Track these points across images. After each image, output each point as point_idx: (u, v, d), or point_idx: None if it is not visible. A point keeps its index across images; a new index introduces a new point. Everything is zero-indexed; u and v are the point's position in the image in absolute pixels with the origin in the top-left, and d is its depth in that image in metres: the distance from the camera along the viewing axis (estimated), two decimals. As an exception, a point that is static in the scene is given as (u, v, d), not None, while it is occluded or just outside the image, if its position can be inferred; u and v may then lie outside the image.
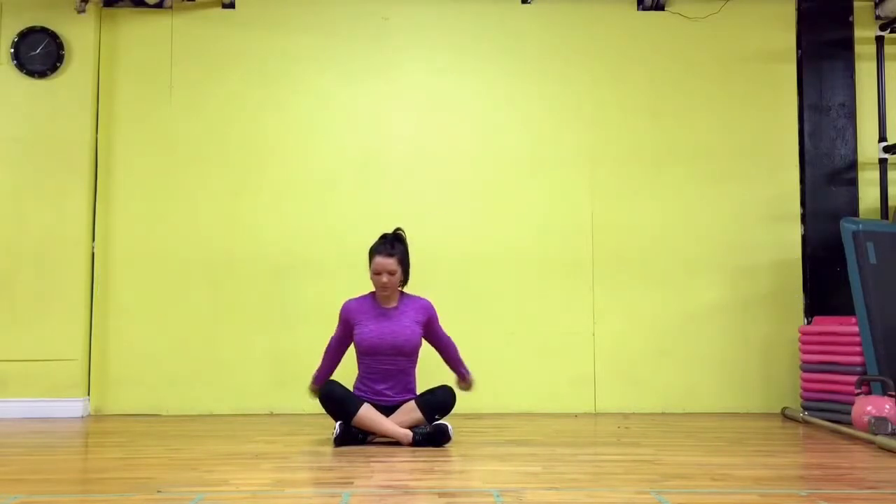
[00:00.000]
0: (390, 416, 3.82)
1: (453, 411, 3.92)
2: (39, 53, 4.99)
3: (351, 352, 4.03)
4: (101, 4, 5.14)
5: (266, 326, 5.03)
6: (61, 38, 5.01)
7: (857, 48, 5.21)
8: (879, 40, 5.20)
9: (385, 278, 3.91)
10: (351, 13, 5.24)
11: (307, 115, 5.19)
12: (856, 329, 4.43)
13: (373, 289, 4.02)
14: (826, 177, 5.15)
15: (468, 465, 3.32)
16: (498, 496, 2.68)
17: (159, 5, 5.16)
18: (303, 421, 4.58)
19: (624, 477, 3.04)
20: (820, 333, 4.68)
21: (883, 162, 5.15)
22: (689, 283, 5.14)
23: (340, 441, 3.72)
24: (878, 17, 5.23)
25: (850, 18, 5.21)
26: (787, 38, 5.27)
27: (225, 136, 5.15)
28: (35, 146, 4.98)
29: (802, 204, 5.19)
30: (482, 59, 5.25)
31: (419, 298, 4.04)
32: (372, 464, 3.31)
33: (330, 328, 4.05)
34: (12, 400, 4.84)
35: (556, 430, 4.31)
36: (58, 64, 5.00)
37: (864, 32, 5.22)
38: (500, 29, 5.26)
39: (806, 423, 4.58)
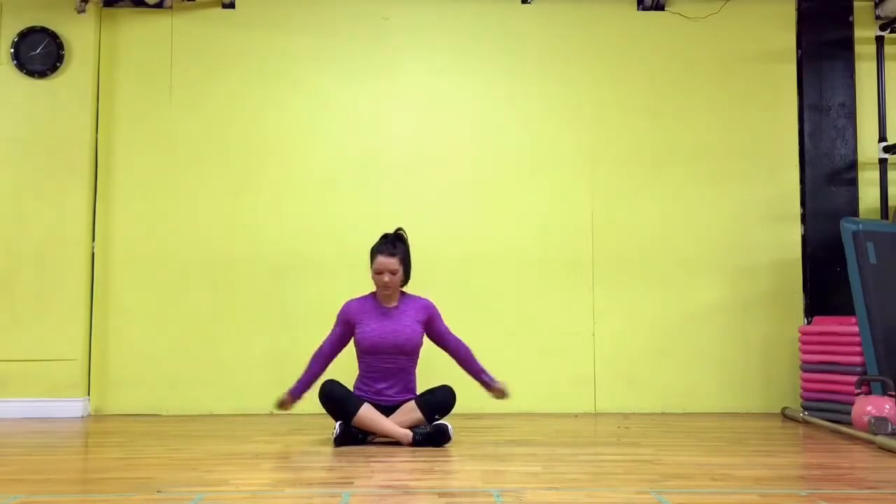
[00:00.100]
0: (390, 416, 3.82)
1: (453, 411, 3.92)
2: (39, 53, 4.99)
3: (348, 352, 4.03)
4: (101, 4, 5.14)
5: (266, 326, 5.03)
6: (61, 38, 5.01)
7: (857, 48, 5.21)
8: (879, 40, 5.20)
9: (387, 278, 3.91)
10: (351, 13, 5.24)
11: (307, 115, 5.19)
12: (856, 329, 4.43)
13: (373, 289, 4.03)
14: (826, 177, 5.15)
15: (468, 465, 3.32)
16: (498, 496, 2.68)
17: (159, 5, 5.16)
18: (303, 421, 4.58)
19: (624, 477, 3.04)
20: (820, 333, 4.68)
21: (883, 162, 5.15)
22: (689, 283, 5.15)
23: (340, 441, 3.72)
24: (878, 17, 5.23)
25: (850, 18, 5.21)
26: (787, 38, 5.27)
27: (225, 136, 5.15)
28: (35, 146, 4.98)
29: (802, 204, 5.19)
30: (482, 59, 5.25)
31: (420, 298, 4.04)
32: (372, 464, 3.31)
33: (330, 328, 4.04)
34: (12, 400, 4.84)
35: (556, 430, 4.31)
36: (58, 64, 5.00)
37: (864, 32, 5.22)
38: (500, 29, 5.26)
39: (806, 423, 4.58)
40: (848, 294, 4.54)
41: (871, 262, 4.49)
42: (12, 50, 4.99)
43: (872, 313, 4.39)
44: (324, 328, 4.10)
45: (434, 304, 4.04)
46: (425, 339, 4.02)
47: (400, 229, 4.06)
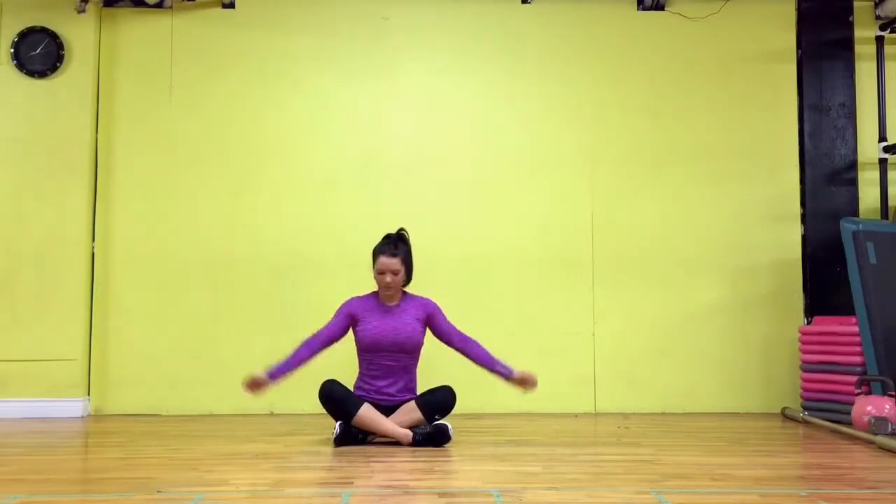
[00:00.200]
0: (390, 416, 3.82)
1: (453, 411, 3.92)
2: (39, 53, 4.99)
3: (348, 352, 4.03)
4: (101, 4, 5.14)
5: (266, 326, 5.03)
6: (61, 38, 5.01)
7: (857, 48, 5.21)
8: (879, 40, 5.20)
9: (389, 278, 3.92)
10: (351, 13, 5.24)
11: (307, 115, 5.19)
12: (856, 329, 4.43)
13: (375, 288, 4.03)
14: (826, 177, 5.15)
15: (468, 465, 3.32)
16: (498, 496, 2.68)
17: (159, 5, 5.16)
18: (303, 421, 4.58)
19: (624, 477, 3.04)
20: (820, 333, 4.68)
21: (883, 162, 5.15)
22: (689, 283, 5.15)
23: (340, 441, 3.72)
24: (878, 17, 5.23)
25: (850, 18, 5.21)
26: (787, 38, 5.27)
27: (225, 136, 5.15)
28: (35, 146, 4.98)
29: (802, 204, 5.19)
30: (482, 59, 5.25)
31: (422, 298, 4.04)
32: (372, 464, 3.31)
33: (330, 327, 4.04)
34: (12, 400, 4.84)
35: (556, 430, 4.31)
36: (58, 64, 5.00)
37: (864, 32, 5.22)
38: (500, 29, 5.26)
39: (806, 423, 4.58)
40: (848, 294, 4.54)
41: (871, 262, 4.49)
42: (12, 50, 4.99)
43: (872, 313, 4.39)
44: (324, 328, 4.10)
45: (436, 302, 4.04)
46: (433, 339, 4.02)
47: (402, 230, 4.07)
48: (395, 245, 3.96)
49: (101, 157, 5.10)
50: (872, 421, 3.90)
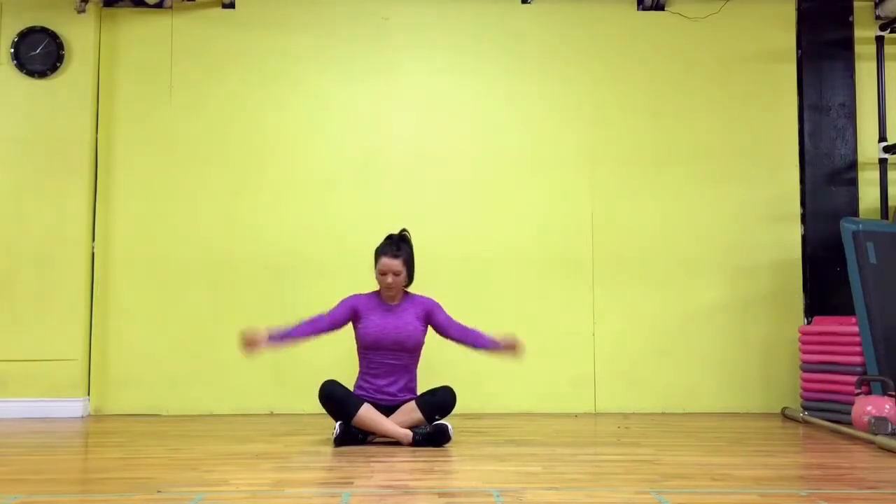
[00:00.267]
0: (390, 417, 3.82)
1: (453, 411, 3.92)
2: (39, 53, 4.99)
3: (348, 351, 4.03)
4: (101, 4, 5.14)
5: (266, 326, 5.02)
6: (61, 38, 5.01)
7: (857, 48, 5.21)
8: (879, 40, 5.20)
9: (390, 279, 3.92)
10: (351, 13, 5.24)
11: (307, 115, 5.19)
12: (856, 329, 4.43)
13: (376, 287, 4.03)
14: (826, 177, 5.15)
15: (468, 465, 3.32)
16: (498, 496, 2.68)
17: (159, 5, 5.16)
18: (303, 421, 4.58)
19: (624, 477, 3.04)
20: (820, 333, 4.68)
21: (883, 162, 5.15)
22: (689, 283, 5.14)
23: (340, 441, 3.72)
24: (878, 17, 5.23)
25: (850, 18, 5.21)
26: (787, 38, 5.27)
27: (225, 136, 5.15)
28: (35, 146, 4.98)
29: (802, 204, 5.19)
30: (482, 59, 5.25)
31: (422, 297, 4.05)
32: (372, 464, 3.31)
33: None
34: (12, 400, 4.84)
35: (556, 430, 4.31)
36: (58, 64, 5.00)
37: (864, 32, 5.22)
38: (500, 29, 5.26)
39: (806, 423, 4.58)
40: (848, 294, 4.54)
41: (871, 262, 4.49)
42: (12, 50, 4.99)
43: (872, 313, 4.39)
44: (324, 328, 4.10)
45: (437, 301, 4.04)
46: (434, 339, 4.02)
47: (404, 230, 4.07)
48: (398, 246, 3.96)
49: (101, 157, 5.10)
50: (872, 421, 3.90)
